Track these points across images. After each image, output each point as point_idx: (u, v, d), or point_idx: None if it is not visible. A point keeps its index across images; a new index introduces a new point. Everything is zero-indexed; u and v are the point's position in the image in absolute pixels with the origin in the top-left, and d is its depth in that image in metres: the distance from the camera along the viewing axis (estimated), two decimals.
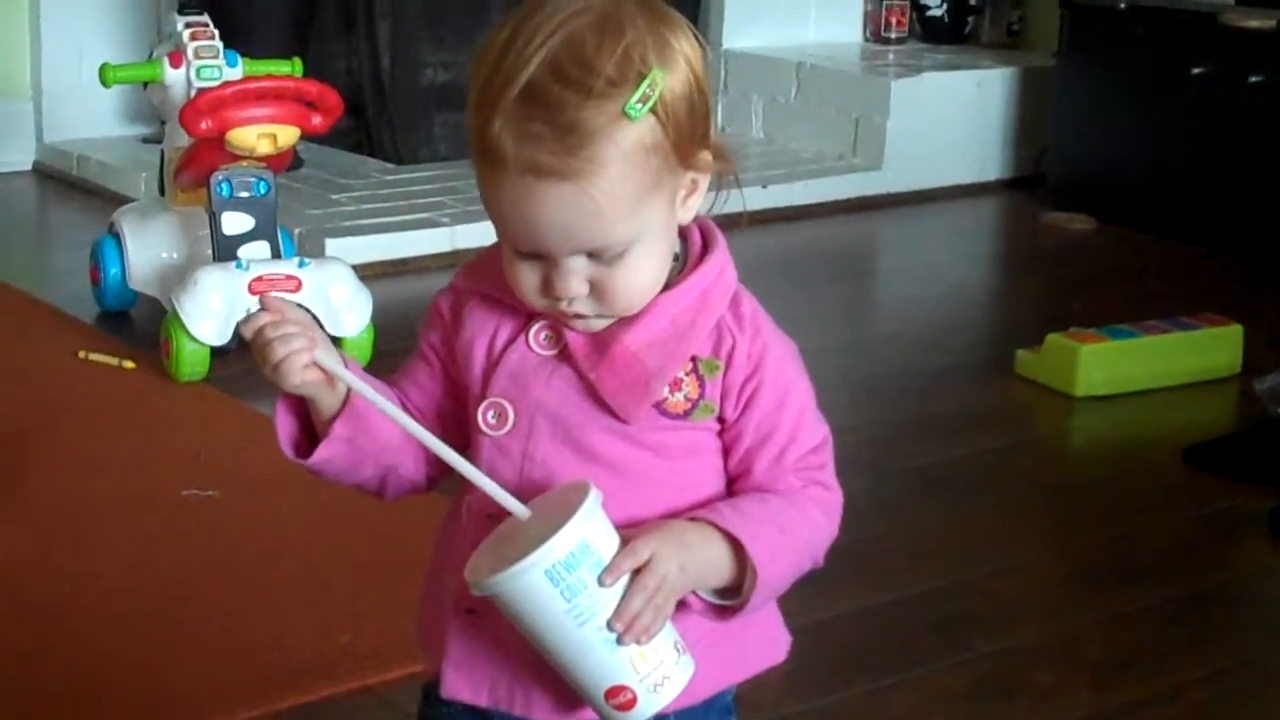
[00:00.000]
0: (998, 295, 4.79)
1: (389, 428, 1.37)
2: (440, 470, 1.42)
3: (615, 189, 1.28)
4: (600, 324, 1.36)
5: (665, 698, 1.33)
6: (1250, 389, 3.56)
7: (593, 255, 1.31)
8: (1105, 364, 3.63)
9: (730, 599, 1.37)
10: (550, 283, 1.33)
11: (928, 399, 3.66)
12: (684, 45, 1.33)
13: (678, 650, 1.34)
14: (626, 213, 1.30)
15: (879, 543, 2.89)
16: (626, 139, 1.28)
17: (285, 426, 1.42)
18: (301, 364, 1.35)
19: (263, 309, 1.36)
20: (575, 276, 1.32)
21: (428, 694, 1.47)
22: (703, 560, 1.34)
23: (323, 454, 1.39)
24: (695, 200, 1.37)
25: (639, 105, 1.28)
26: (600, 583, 1.29)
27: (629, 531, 1.32)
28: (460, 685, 1.41)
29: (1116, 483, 3.27)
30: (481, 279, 1.40)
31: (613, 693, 1.32)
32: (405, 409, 1.39)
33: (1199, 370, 3.74)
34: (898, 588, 2.76)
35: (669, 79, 1.30)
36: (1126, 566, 2.90)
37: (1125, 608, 2.75)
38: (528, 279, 1.34)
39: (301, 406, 1.40)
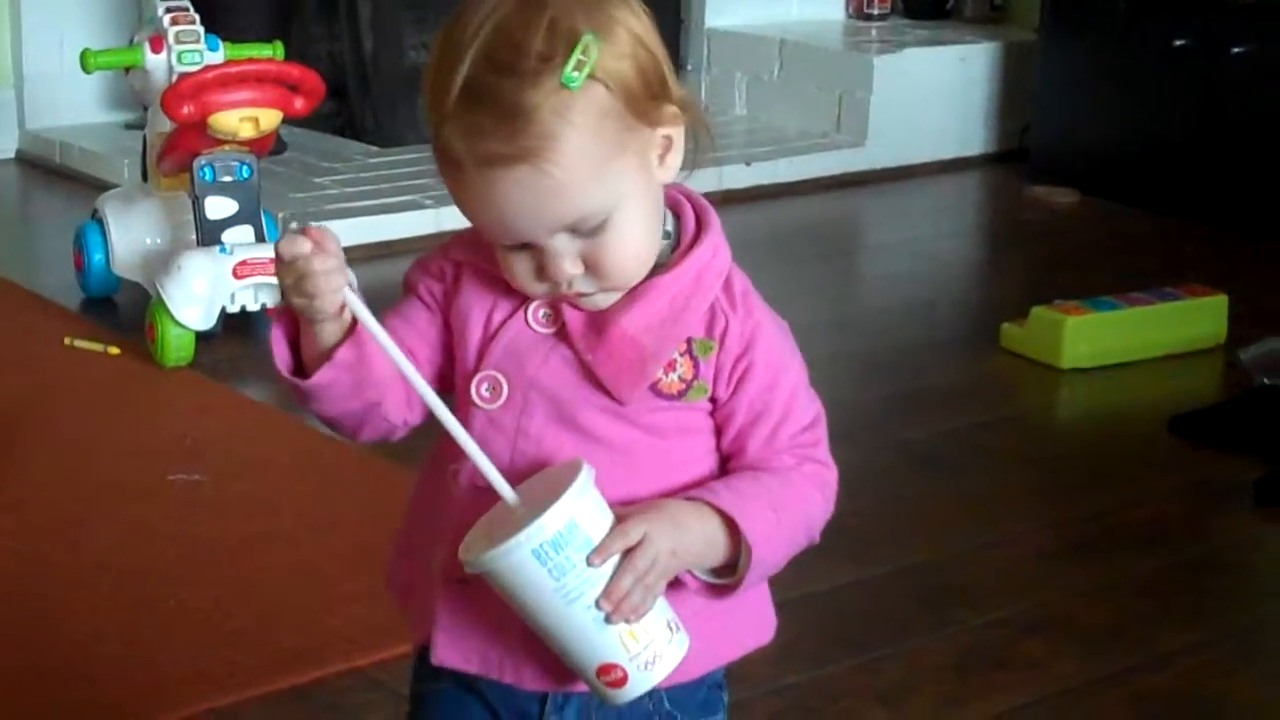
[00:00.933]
0: (982, 269, 4.79)
1: (384, 362, 1.35)
2: (418, 417, 1.41)
3: (572, 160, 1.27)
4: (606, 300, 1.35)
5: (656, 676, 1.33)
6: (1235, 359, 3.58)
7: (575, 231, 1.31)
8: (1090, 336, 3.64)
9: (725, 577, 1.37)
10: (543, 269, 1.32)
11: (914, 373, 3.67)
12: (616, 8, 1.31)
13: (670, 629, 1.34)
14: (591, 181, 1.29)
15: (866, 516, 2.90)
16: (571, 109, 1.27)
17: (282, 350, 1.39)
18: (338, 301, 1.33)
19: (303, 234, 1.32)
20: (565, 258, 1.31)
21: (418, 670, 1.47)
22: (697, 539, 1.34)
23: (325, 376, 1.36)
24: (674, 158, 1.36)
25: (575, 74, 1.27)
26: (589, 562, 1.29)
27: (623, 510, 1.32)
28: (450, 653, 1.41)
29: (1102, 454, 3.28)
30: (479, 254, 1.39)
31: (603, 670, 1.32)
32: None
33: (1184, 341, 3.74)
34: (885, 561, 2.77)
35: (605, 43, 1.29)
36: (1113, 537, 2.91)
37: (1112, 578, 2.76)
38: (521, 269, 1.34)
39: (294, 331, 1.38)
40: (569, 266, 1.32)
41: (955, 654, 2.52)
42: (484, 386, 1.39)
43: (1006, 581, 2.74)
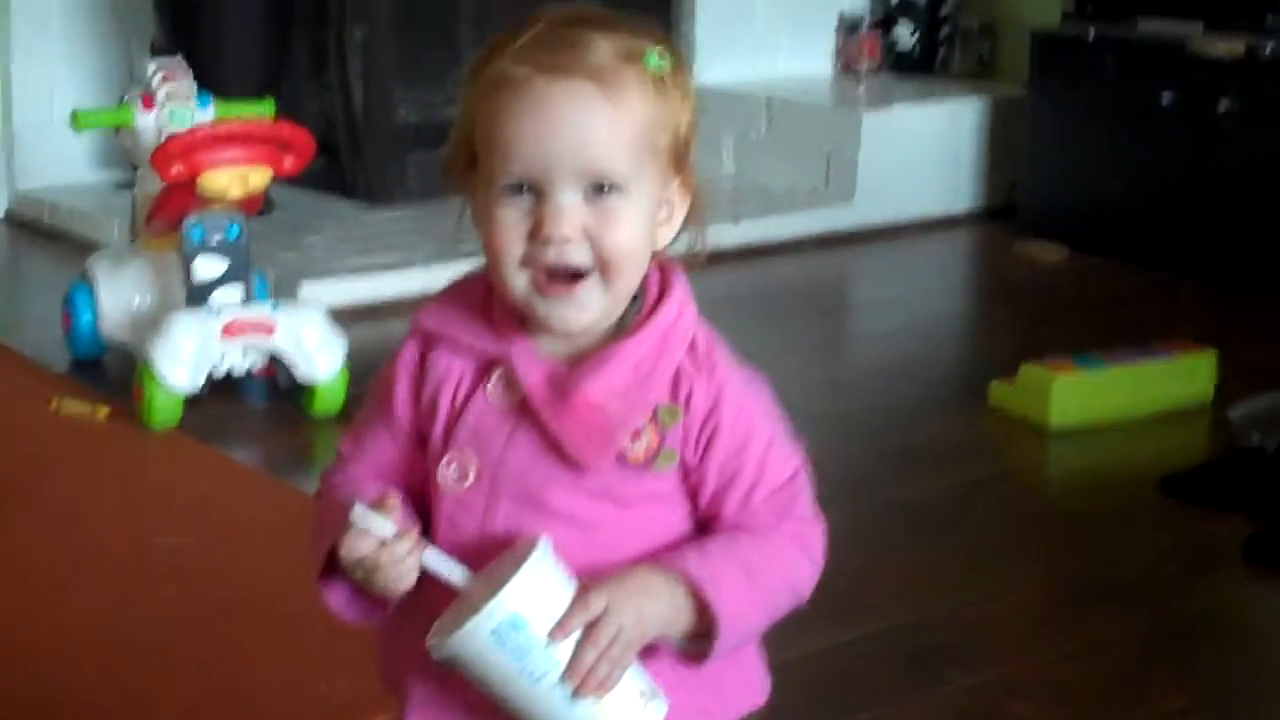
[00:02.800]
0: (971, 326, 4.80)
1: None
2: None
3: (633, 112, 1.30)
4: (576, 311, 1.33)
5: None
6: (1224, 417, 3.57)
7: (594, 185, 1.30)
8: (1079, 394, 3.64)
9: (701, 643, 1.36)
10: (538, 227, 1.31)
11: (903, 431, 3.66)
12: (688, 80, 1.36)
13: (645, 696, 1.33)
14: (634, 145, 1.30)
15: (855, 576, 2.89)
16: (644, 81, 1.30)
17: (341, 599, 1.41)
18: (410, 583, 1.34)
19: (366, 526, 1.33)
20: (567, 215, 1.30)
21: None
22: (664, 608, 1.33)
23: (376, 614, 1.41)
24: (669, 230, 1.37)
25: (657, 58, 1.30)
26: (551, 638, 1.28)
27: (589, 581, 1.31)
28: None
29: (1093, 513, 3.27)
30: (443, 319, 1.39)
31: None
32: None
33: (1173, 399, 3.74)
34: (875, 621, 2.76)
35: (675, 78, 1.33)
36: (1104, 597, 2.90)
37: (1103, 638, 2.75)
38: (513, 227, 1.32)
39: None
40: (566, 226, 1.31)
41: (946, 715, 2.50)
42: (452, 468, 1.38)
43: (997, 642, 2.73)
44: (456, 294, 1.39)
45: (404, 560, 1.32)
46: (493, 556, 1.34)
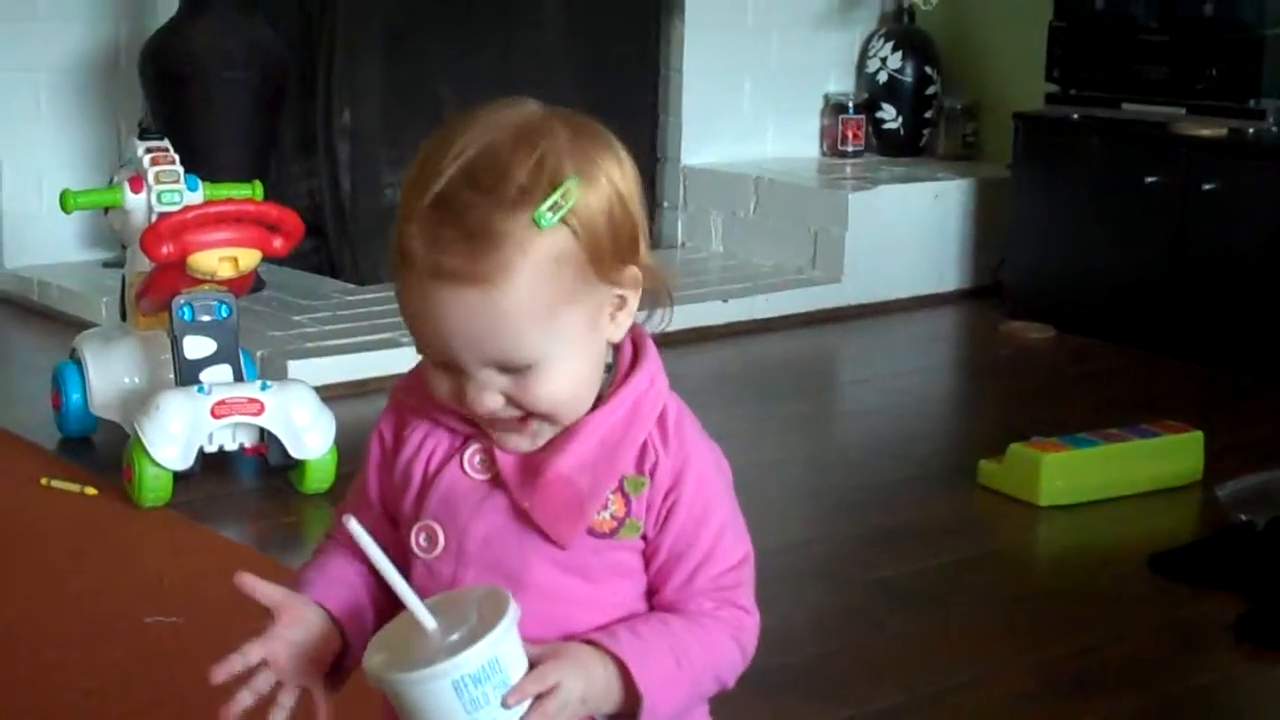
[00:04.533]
0: (959, 405, 4.81)
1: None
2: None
3: (521, 297, 1.28)
4: (532, 442, 1.35)
5: None
6: (1212, 495, 3.58)
7: (503, 368, 1.31)
8: (1068, 473, 3.64)
9: None
10: (464, 394, 1.33)
11: (890, 510, 3.66)
12: (608, 162, 1.33)
13: None
14: (534, 323, 1.29)
15: (842, 656, 2.88)
16: (536, 248, 1.28)
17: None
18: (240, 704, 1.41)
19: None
20: (488, 391, 1.32)
21: None
22: (599, 688, 1.34)
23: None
24: (624, 317, 1.37)
25: (549, 214, 1.28)
26: (504, 703, 1.29)
27: (534, 649, 1.32)
28: None
29: (1082, 592, 3.27)
30: (418, 395, 1.40)
31: None
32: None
33: (1161, 477, 3.75)
34: (861, 702, 2.75)
35: (586, 192, 1.30)
36: (1094, 677, 2.90)
37: (1093, 718, 2.75)
38: (444, 390, 1.35)
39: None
40: (488, 400, 1.32)
41: None
42: (421, 536, 1.40)
43: None
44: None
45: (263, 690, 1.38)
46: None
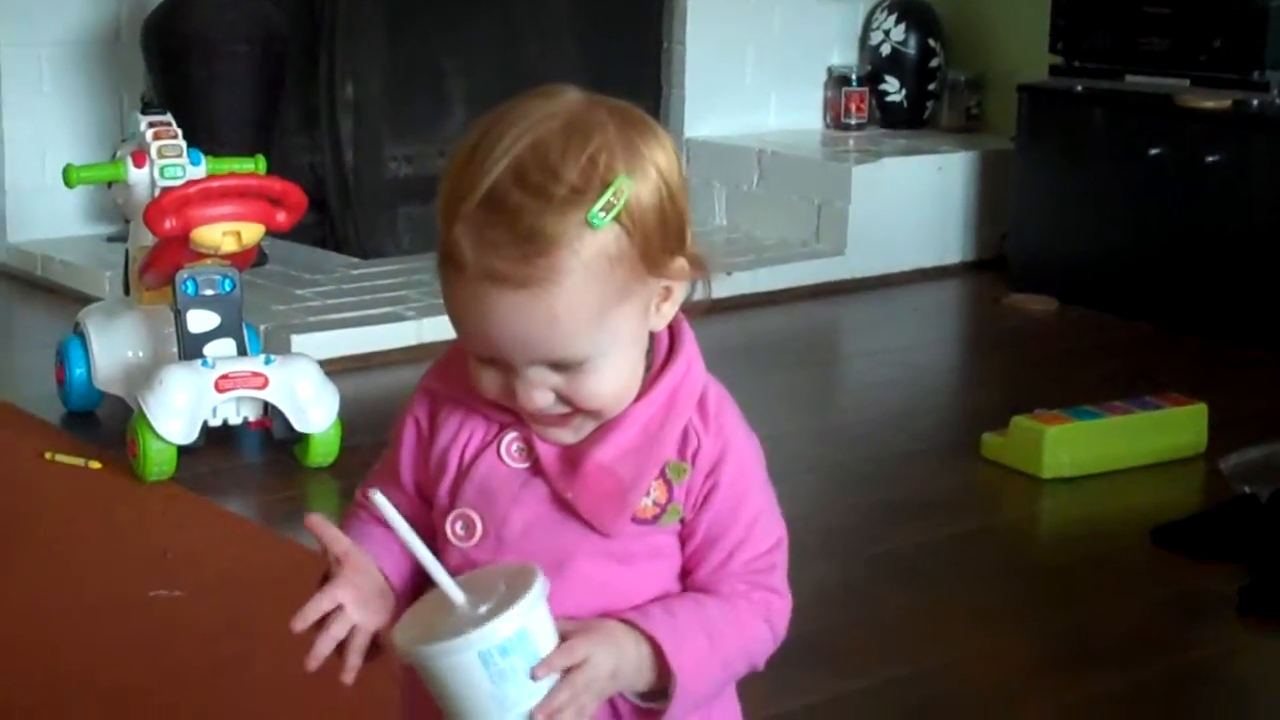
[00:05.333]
0: (962, 378, 4.81)
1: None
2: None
3: (575, 299, 1.26)
4: (575, 435, 1.34)
5: None
6: (1216, 467, 3.58)
7: (554, 365, 1.30)
8: (1071, 445, 3.64)
9: (656, 701, 1.37)
10: (512, 391, 1.32)
11: (894, 484, 3.67)
12: (655, 153, 1.30)
13: None
14: (588, 324, 1.28)
15: (846, 629, 2.89)
16: (588, 248, 1.26)
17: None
18: (317, 657, 1.37)
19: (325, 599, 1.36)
20: (537, 387, 1.31)
21: None
22: (631, 664, 1.34)
23: None
24: (669, 307, 1.35)
25: (602, 214, 1.26)
26: (531, 675, 1.29)
27: (565, 625, 1.32)
28: None
29: (1085, 565, 3.27)
30: (452, 383, 1.39)
31: None
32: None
33: (1164, 450, 3.75)
34: (865, 675, 2.76)
35: (637, 187, 1.28)
36: (1097, 649, 2.90)
37: (1096, 691, 2.75)
38: (490, 385, 1.33)
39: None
40: (538, 397, 1.31)
41: None
42: (458, 525, 1.39)
43: (989, 696, 2.73)
44: (464, 357, 1.38)
45: (356, 625, 1.35)
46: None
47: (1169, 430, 3.78)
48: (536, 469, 1.36)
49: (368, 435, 3.55)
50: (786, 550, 1.43)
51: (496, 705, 1.29)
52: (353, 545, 1.38)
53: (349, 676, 1.34)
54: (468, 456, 1.38)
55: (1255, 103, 4.89)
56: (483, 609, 1.29)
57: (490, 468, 1.37)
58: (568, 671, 1.30)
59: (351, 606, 1.35)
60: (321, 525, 1.36)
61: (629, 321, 1.31)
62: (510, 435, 1.37)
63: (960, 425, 4.05)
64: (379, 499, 1.32)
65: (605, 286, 1.28)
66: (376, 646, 1.39)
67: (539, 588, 1.29)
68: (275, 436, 3.60)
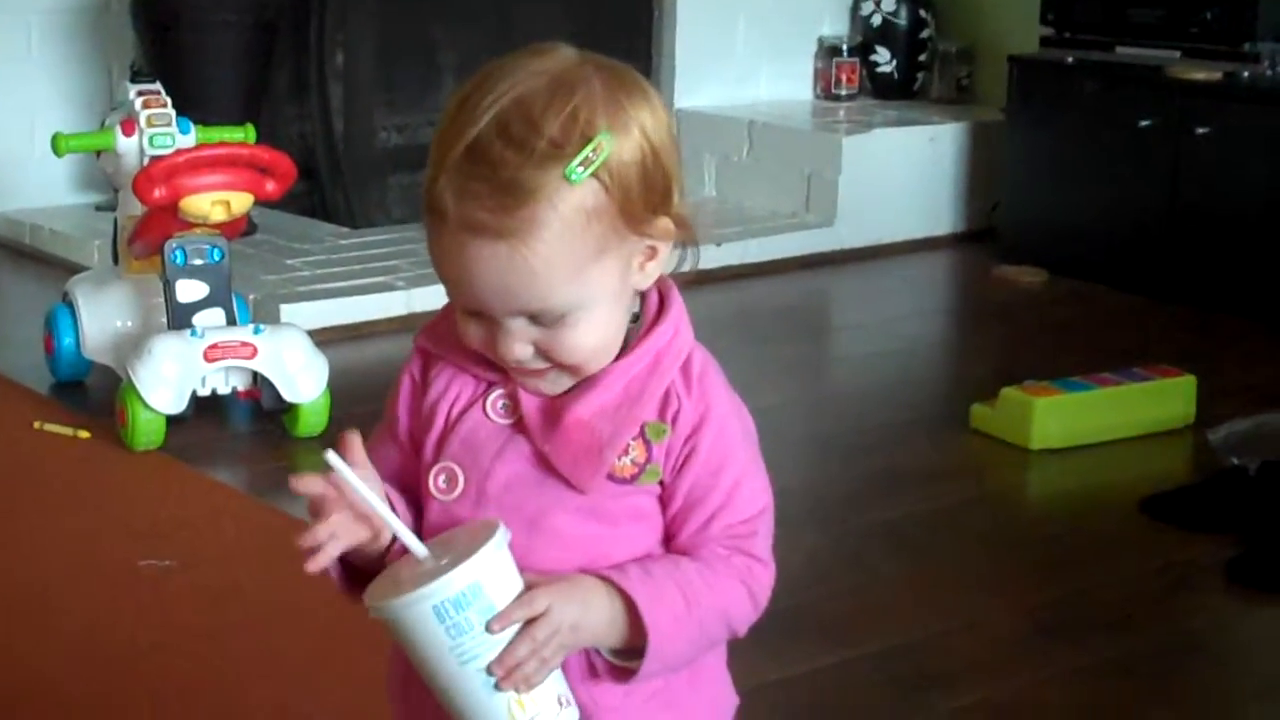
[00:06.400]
0: (951, 349, 4.81)
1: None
2: None
3: (552, 252, 1.28)
4: (554, 386, 1.36)
5: None
6: (1204, 439, 3.59)
7: (533, 318, 1.31)
8: (1060, 417, 3.65)
9: (630, 660, 1.37)
10: (494, 341, 1.33)
11: (883, 454, 3.67)
12: (641, 112, 1.31)
13: (560, 703, 1.34)
14: (565, 277, 1.29)
15: (837, 599, 2.89)
16: (565, 202, 1.27)
17: (335, 568, 1.40)
18: (319, 564, 1.34)
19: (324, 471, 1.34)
20: (517, 339, 1.32)
21: None
22: (601, 619, 1.34)
23: None
24: (654, 267, 1.36)
25: (580, 169, 1.27)
26: (488, 628, 1.29)
27: (533, 578, 1.32)
28: None
29: (1074, 535, 3.28)
30: (442, 343, 1.40)
31: None
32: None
33: (1153, 421, 3.75)
34: (856, 645, 2.76)
35: (618, 144, 1.29)
36: (1086, 619, 2.91)
37: (1085, 661, 2.76)
38: (474, 336, 1.34)
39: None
40: (518, 349, 1.33)
41: None
42: (440, 478, 1.40)
43: (979, 665, 2.73)
44: (453, 318, 1.39)
45: (319, 532, 1.33)
46: None
47: (1158, 402, 3.78)
48: (520, 426, 1.37)
49: (357, 405, 3.55)
50: (772, 520, 1.43)
51: (455, 658, 1.30)
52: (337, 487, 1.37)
53: (310, 566, 1.34)
54: (455, 412, 1.39)
55: (1246, 74, 4.89)
56: (443, 563, 1.30)
57: (476, 423, 1.38)
58: (528, 624, 1.30)
59: (339, 523, 1.35)
60: (305, 482, 1.36)
61: (608, 277, 1.32)
62: (496, 392, 1.38)
63: (949, 396, 4.06)
64: (333, 459, 1.33)
65: (582, 240, 1.29)
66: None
67: (496, 540, 1.30)
68: (264, 407, 3.59)
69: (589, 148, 1.27)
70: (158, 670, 2.58)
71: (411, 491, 1.42)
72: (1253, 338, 4.59)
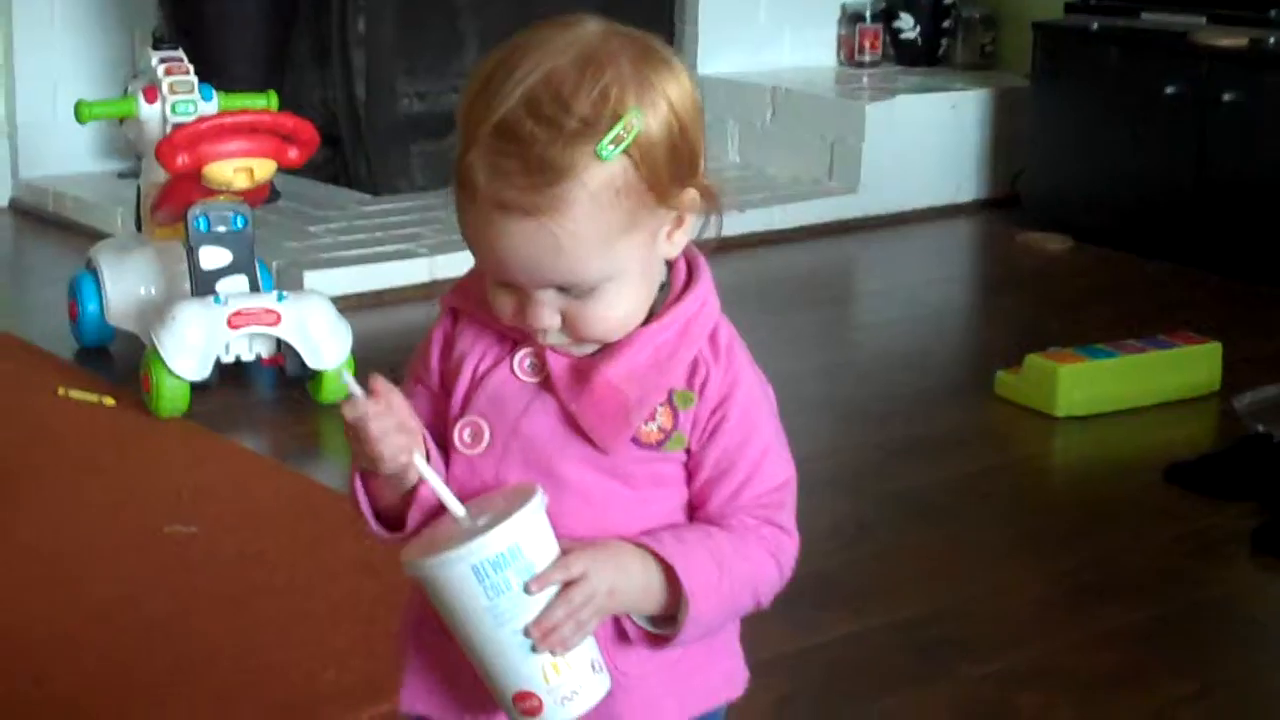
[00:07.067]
0: (976, 316, 4.80)
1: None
2: None
3: (581, 228, 1.29)
4: (581, 348, 1.37)
5: (573, 712, 1.34)
6: (1230, 406, 3.58)
7: (563, 289, 1.32)
8: (1085, 384, 3.64)
9: (663, 628, 1.38)
10: (522, 310, 1.34)
11: (908, 421, 3.66)
12: (668, 85, 1.32)
13: (594, 668, 1.35)
14: (595, 252, 1.30)
15: (861, 567, 2.90)
16: (595, 179, 1.28)
17: (365, 503, 1.41)
18: (402, 461, 1.34)
19: (365, 394, 1.34)
20: (546, 309, 1.33)
21: None
22: (637, 585, 1.35)
23: (414, 521, 1.39)
24: (681, 236, 1.37)
25: (611, 147, 1.28)
26: (526, 589, 1.30)
27: (570, 544, 1.33)
28: (415, 700, 1.44)
29: (1098, 503, 3.28)
30: (470, 301, 1.41)
31: (520, 697, 1.33)
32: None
33: (1178, 388, 3.74)
34: (881, 612, 2.76)
35: (647, 120, 1.29)
36: (1110, 587, 2.91)
37: (1110, 627, 2.76)
38: (503, 305, 1.35)
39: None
40: (547, 317, 1.34)
41: (953, 707, 2.51)
42: (466, 432, 1.40)
43: (1003, 632, 2.74)
44: (481, 280, 1.40)
45: (391, 434, 1.33)
46: None
47: (1183, 369, 3.77)
48: (546, 384, 1.38)
49: (380, 372, 3.54)
50: (795, 491, 1.44)
51: (492, 619, 1.30)
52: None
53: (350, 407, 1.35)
54: (481, 369, 1.41)
55: (1271, 40, 4.86)
56: (481, 523, 1.31)
57: (502, 380, 1.39)
58: (566, 587, 1.31)
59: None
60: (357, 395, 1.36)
61: (636, 250, 1.33)
62: (523, 350, 1.39)
63: (974, 364, 4.05)
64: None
65: (612, 216, 1.30)
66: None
67: (536, 503, 1.31)
68: (288, 373, 3.60)
69: (619, 126, 1.28)
70: (182, 635, 2.59)
71: (442, 442, 1.42)
72: (1278, 304, 4.57)
